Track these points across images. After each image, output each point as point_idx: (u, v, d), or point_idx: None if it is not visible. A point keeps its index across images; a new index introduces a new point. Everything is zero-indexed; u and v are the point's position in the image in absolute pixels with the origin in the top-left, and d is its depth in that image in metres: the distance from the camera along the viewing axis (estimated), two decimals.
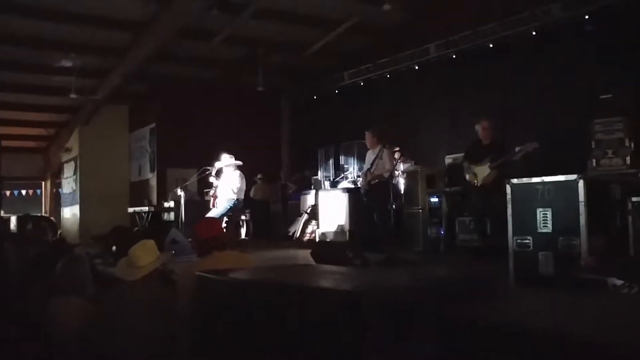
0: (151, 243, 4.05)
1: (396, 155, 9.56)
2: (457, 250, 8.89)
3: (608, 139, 7.74)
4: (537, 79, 9.59)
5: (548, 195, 5.53)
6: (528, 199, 5.68)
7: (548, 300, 2.67)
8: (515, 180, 5.88)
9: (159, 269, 4.00)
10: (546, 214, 5.52)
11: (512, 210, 5.83)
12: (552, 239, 5.47)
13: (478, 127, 7.96)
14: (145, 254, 3.88)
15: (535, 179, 5.70)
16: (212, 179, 10.37)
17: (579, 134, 8.26)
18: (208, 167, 10.37)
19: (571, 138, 8.50)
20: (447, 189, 9.49)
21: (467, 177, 7.92)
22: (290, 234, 11.99)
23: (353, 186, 11.23)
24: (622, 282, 4.17)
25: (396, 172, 9.73)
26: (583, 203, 5.29)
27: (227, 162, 10.17)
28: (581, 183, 5.33)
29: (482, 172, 7.70)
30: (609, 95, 8.20)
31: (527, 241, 5.65)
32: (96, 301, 3.90)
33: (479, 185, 7.77)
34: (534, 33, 9.47)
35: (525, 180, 5.81)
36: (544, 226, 5.53)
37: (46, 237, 9.77)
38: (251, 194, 12.97)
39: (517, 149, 7.44)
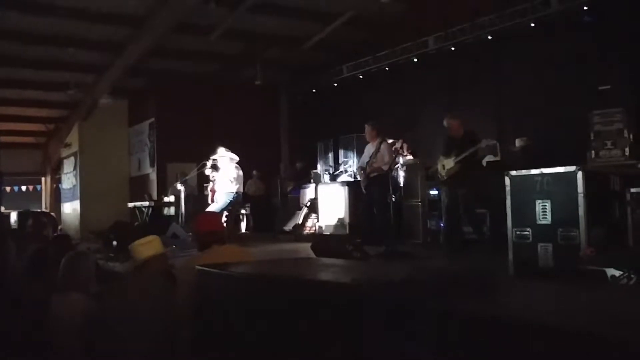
0: (151, 238, 4.08)
1: (397, 145, 9.57)
2: (456, 242, 8.89)
3: (607, 130, 7.71)
4: (536, 70, 9.59)
5: (547, 186, 5.53)
6: (527, 190, 5.68)
7: (547, 292, 2.67)
8: (514, 172, 5.88)
9: (160, 264, 4.02)
10: (545, 205, 5.52)
11: (511, 201, 5.83)
12: (551, 230, 5.47)
13: (445, 124, 8.01)
14: (145, 248, 3.91)
15: (534, 171, 5.70)
16: (208, 171, 10.36)
17: (577, 126, 8.25)
18: (207, 162, 10.38)
19: (570, 129, 8.50)
20: None
21: (438, 170, 8.03)
22: (290, 227, 12.01)
23: (352, 179, 11.23)
24: (621, 273, 4.18)
25: (397, 164, 9.73)
26: (582, 194, 5.29)
27: (222, 154, 10.19)
28: (580, 174, 5.33)
29: (448, 165, 7.78)
30: (608, 87, 8.19)
31: (527, 233, 5.66)
32: (97, 297, 3.91)
33: (444, 179, 7.87)
34: (532, 25, 9.46)
35: (524, 171, 5.80)
36: (543, 217, 5.53)
37: (47, 233, 9.78)
38: (245, 188, 12.99)
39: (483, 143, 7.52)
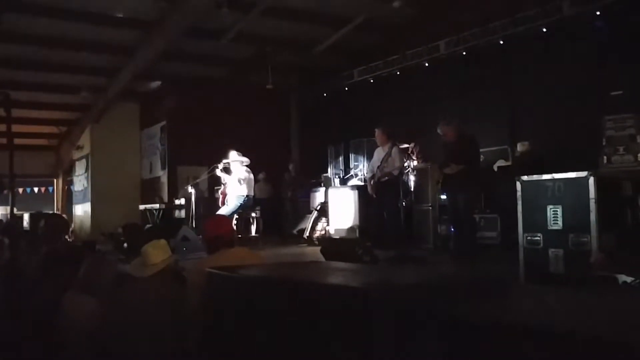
0: (163, 242, 4.09)
1: (410, 147, 9.56)
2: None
3: (619, 136, 7.69)
4: (547, 75, 9.55)
5: (558, 192, 5.51)
6: (538, 195, 5.66)
7: (558, 299, 2.66)
8: (525, 177, 5.86)
9: (170, 267, 4.03)
10: (556, 211, 5.49)
11: (522, 207, 5.81)
12: (562, 236, 5.45)
13: (440, 131, 7.98)
14: (157, 252, 3.92)
15: (545, 176, 5.68)
16: (219, 173, 10.39)
17: (589, 131, 8.22)
18: (218, 165, 10.42)
19: (582, 135, 8.47)
20: None
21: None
22: (300, 231, 12.00)
23: (363, 183, 11.23)
24: (632, 279, 4.16)
25: (408, 169, 9.71)
26: (594, 200, 5.26)
27: (234, 158, 10.22)
28: (592, 180, 5.31)
29: (448, 171, 7.77)
30: (620, 92, 8.15)
31: (538, 238, 5.63)
32: (109, 300, 3.92)
33: (444, 184, 7.90)
34: (544, 30, 9.43)
35: (535, 177, 5.78)
36: (554, 223, 5.50)
37: (59, 235, 9.83)
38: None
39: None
